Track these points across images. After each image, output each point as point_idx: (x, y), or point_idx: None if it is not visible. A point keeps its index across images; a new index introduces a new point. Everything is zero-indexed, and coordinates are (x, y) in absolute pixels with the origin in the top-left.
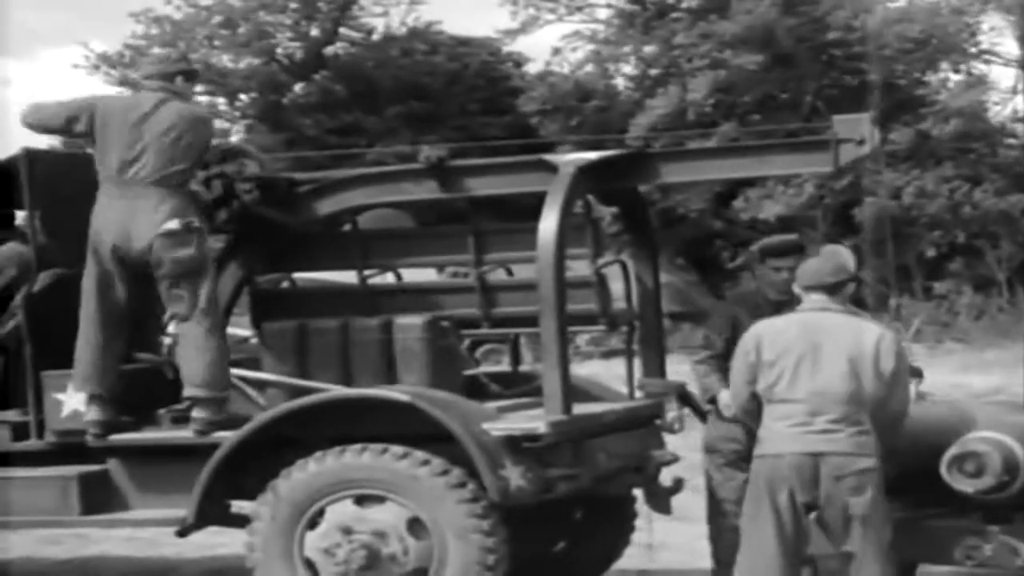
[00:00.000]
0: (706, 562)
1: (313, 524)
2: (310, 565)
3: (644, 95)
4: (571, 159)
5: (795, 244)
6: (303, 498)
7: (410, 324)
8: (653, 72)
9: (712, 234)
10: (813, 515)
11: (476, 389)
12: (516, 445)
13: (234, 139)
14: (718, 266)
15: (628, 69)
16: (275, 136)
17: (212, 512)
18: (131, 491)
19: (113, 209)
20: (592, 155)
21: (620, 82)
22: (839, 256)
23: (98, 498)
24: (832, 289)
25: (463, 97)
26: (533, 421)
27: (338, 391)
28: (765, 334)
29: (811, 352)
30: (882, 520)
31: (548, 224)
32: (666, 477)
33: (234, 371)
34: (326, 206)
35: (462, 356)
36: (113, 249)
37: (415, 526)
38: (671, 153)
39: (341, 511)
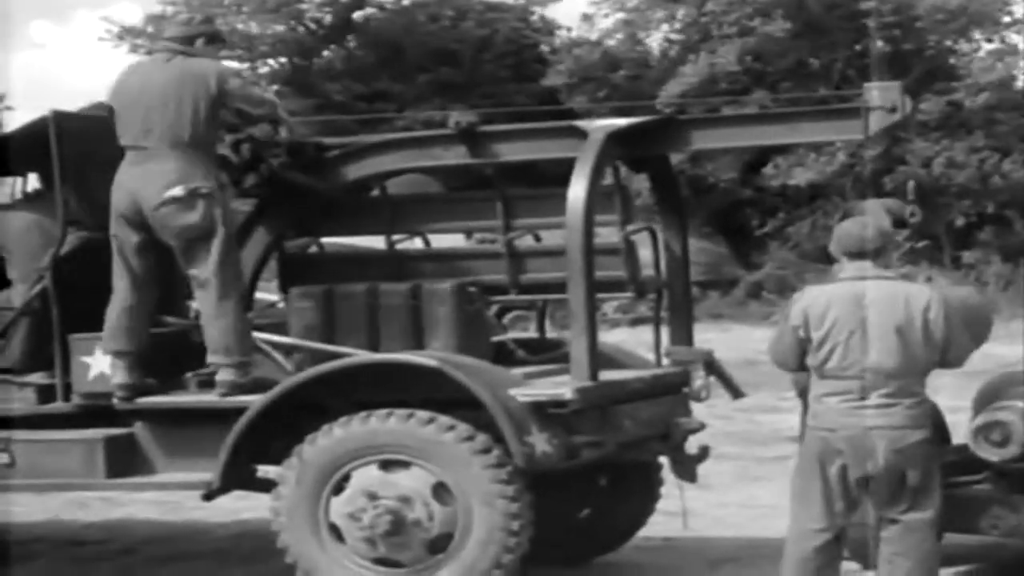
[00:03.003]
0: (728, 530)
1: (338, 489)
2: (335, 530)
3: (674, 63)
4: (601, 125)
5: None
6: (328, 463)
7: (438, 289)
8: (683, 39)
9: (741, 202)
10: (863, 483)
11: (503, 355)
12: (542, 411)
13: None
14: (747, 234)
15: (658, 36)
16: (303, 102)
17: (238, 476)
18: (157, 455)
19: (126, 176)
20: (622, 121)
21: (651, 47)
22: (879, 218)
23: (124, 461)
24: (875, 254)
25: (492, 64)
26: (560, 387)
27: (365, 356)
28: (812, 310)
29: (859, 327)
30: (935, 489)
31: (577, 190)
32: (692, 445)
33: (261, 335)
34: (355, 171)
35: (490, 322)
36: (127, 216)
37: (440, 491)
38: (701, 120)
39: (366, 476)
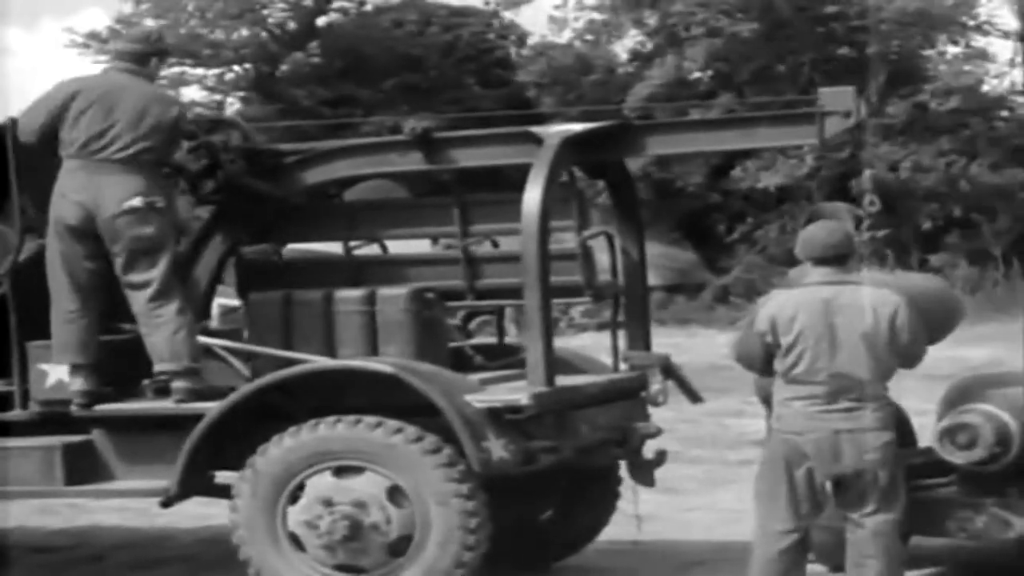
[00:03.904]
0: (695, 533)
1: (294, 499)
2: (295, 539)
3: (642, 66)
4: (556, 131)
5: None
6: (281, 473)
7: (394, 295)
8: (652, 42)
9: (709, 206)
10: (829, 486)
11: (462, 361)
12: (498, 417)
13: (229, 112)
14: (714, 238)
15: (627, 42)
16: (268, 107)
17: (196, 483)
18: (115, 462)
19: (77, 185)
20: (577, 127)
21: (618, 51)
22: (843, 224)
23: (82, 468)
24: (842, 260)
25: (457, 69)
26: (516, 393)
27: (321, 363)
28: (779, 315)
29: (827, 333)
30: (901, 491)
31: (532, 196)
32: (650, 449)
33: (218, 341)
34: (311, 177)
35: (447, 328)
36: (76, 226)
37: (395, 494)
38: (657, 125)
39: (320, 484)
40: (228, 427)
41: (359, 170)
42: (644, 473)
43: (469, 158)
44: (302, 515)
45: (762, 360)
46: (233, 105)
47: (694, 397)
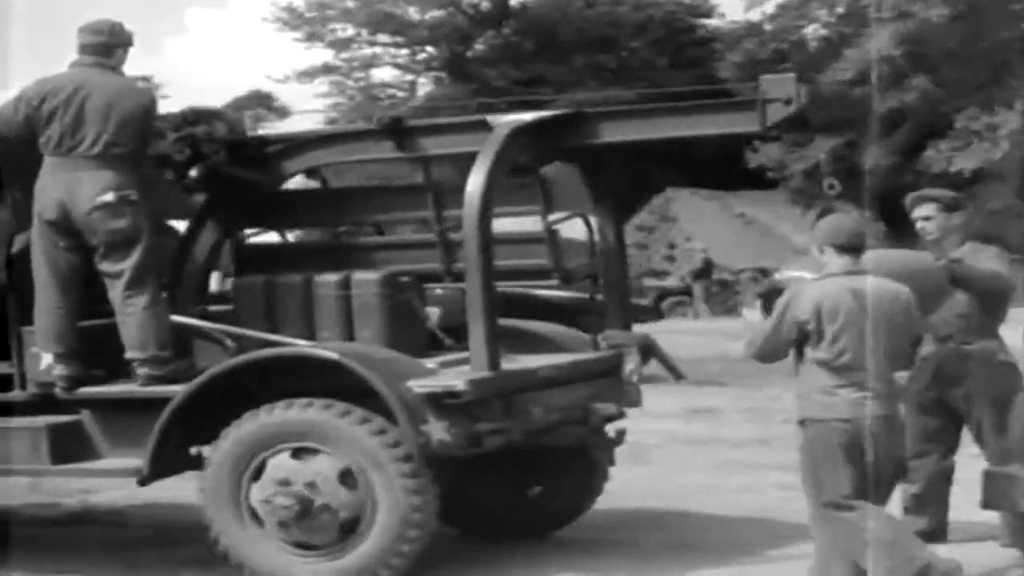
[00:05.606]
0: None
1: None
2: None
3: (831, 49)
4: (507, 120)
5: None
6: (240, 455)
7: (367, 279)
8: (842, 26)
9: (902, 187)
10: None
11: (436, 343)
12: (439, 401)
13: (420, 92)
14: (907, 218)
15: (816, 24)
16: (460, 87)
17: (170, 462)
18: (101, 441)
19: (55, 182)
20: (528, 116)
21: (810, 31)
22: (856, 214)
23: (68, 448)
24: (862, 250)
25: (649, 48)
26: (455, 378)
27: (274, 349)
28: (823, 304)
29: (865, 321)
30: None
31: (475, 182)
32: (616, 429)
33: (205, 324)
34: (293, 165)
35: (422, 310)
36: (55, 220)
37: (345, 476)
38: (607, 113)
39: (278, 465)
40: (200, 408)
41: (339, 158)
42: (603, 453)
43: (434, 146)
44: (260, 494)
45: (787, 350)
46: (425, 86)
47: (677, 375)
